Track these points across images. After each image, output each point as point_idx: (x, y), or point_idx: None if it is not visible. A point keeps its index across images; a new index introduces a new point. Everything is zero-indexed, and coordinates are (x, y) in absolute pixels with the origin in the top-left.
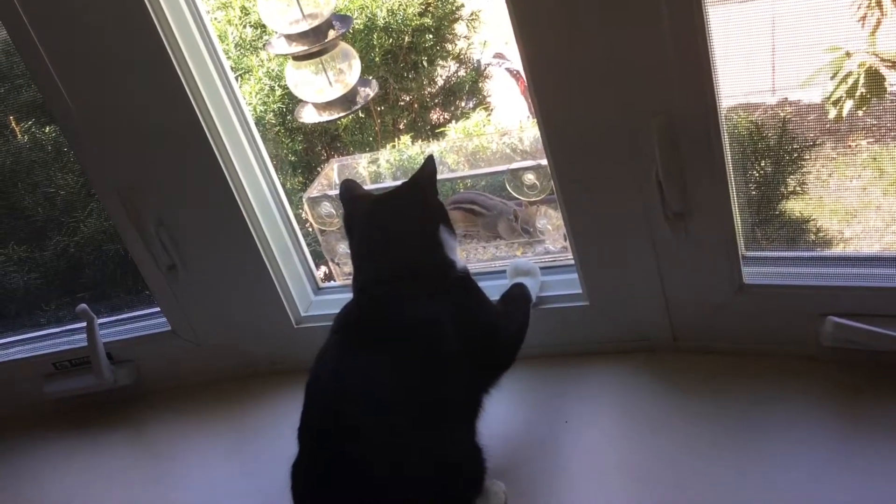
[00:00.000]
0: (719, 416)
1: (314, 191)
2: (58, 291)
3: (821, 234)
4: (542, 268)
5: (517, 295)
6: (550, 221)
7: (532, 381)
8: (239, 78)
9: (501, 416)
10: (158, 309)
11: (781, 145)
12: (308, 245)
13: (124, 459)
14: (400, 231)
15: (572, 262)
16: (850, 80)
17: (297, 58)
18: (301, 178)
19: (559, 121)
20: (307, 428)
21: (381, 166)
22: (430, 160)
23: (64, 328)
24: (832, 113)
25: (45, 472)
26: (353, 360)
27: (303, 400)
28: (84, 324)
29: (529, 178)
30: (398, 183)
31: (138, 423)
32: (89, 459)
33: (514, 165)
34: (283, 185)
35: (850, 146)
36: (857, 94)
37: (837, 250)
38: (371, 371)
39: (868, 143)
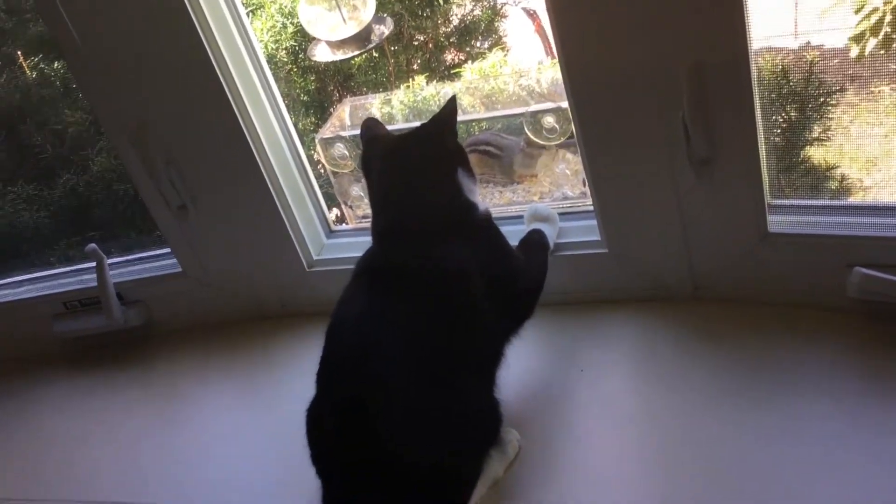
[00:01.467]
0: (738, 367)
1: (327, 131)
2: (67, 231)
3: (847, 183)
4: (560, 213)
5: (535, 242)
6: (569, 166)
7: (548, 329)
8: (250, 14)
9: (516, 364)
10: (169, 250)
11: (808, 90)
12: (321, 188)
13: (134, 399)
14: (418, 174)
15: (591, 208)
16: (875, 17)
17: None
18: (313, 119)
19: (582, 62)
20: (327, 372)
21: (394, 107)
22: (451, 101)
23: (74, 268)
24: (854, 51)
25: (54, 411)
26: (376, 306)
27: (323, 344)
28: (94, 264)
29: (549, 120)
30: (416, 124)
31: (148, 364)
32: (99, 399)
33: (534, 108)
34: (295, 126)
35: (872, 91)
36: (882, 33)
37: (866, 199)
38: (394, 318)
39: (891, 89)
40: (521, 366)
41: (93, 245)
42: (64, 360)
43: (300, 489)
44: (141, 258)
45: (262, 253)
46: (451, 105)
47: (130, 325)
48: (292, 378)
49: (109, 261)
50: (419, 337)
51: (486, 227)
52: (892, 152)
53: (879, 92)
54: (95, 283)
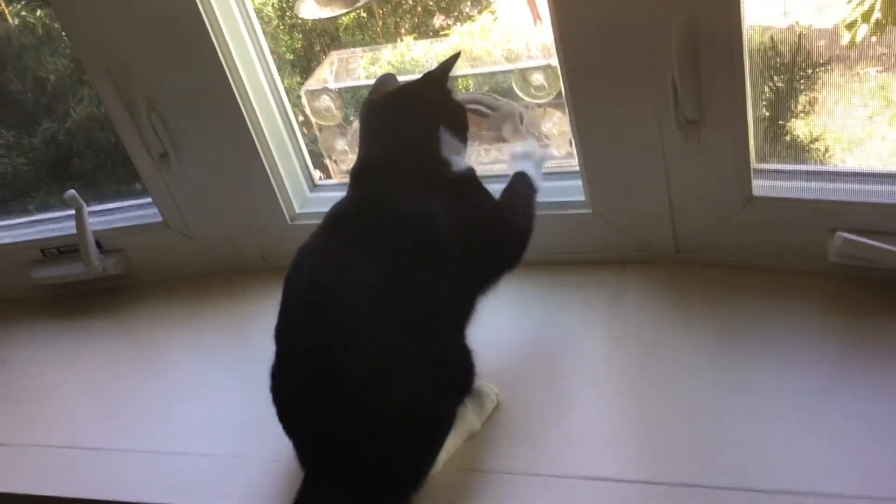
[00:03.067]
0: (719, 329)
1: (313, 83)
2: (47, 179)
3: (831, 150)
4: (545, 174)
5: (519, 185)
6: (556, 126)
7: (528, 289)
8: None
9: (496, 322)
10: (150, 199)
11: (796, 62)
12: (306, 145)
13: (112, 348)
14: (398, 123)
15: (576, 168)
16: (867, 4)
17: None
18: (299, 78)
19: (574, 19)
20: (285, 326)
21: (382, 67)
22: (452, 57)
23: (53, 215)
24: (846, 38)
25: (30, 358)
26: (336, 254)
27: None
28: (73, 211)
29: (538, 78)
30: None
31: (127, 313)
32: (76, 347)
33: (523, 64)
34: (282, 81)
35: (857, 73)
36: (873, 19)
37: (849, 166)
38: (356, 267)
39: (877, 71)
40: (502, 324)
41: (72, 191)
42: (41, 308)
43: (277, 439)
44: (121, 207)
45: (245, 205)
46: (449, 62)
47: (109, 274)
48: (271, 330)
49: (89, 209)
50: (380, 286)
51: (460, 182)
52: (875, 122)
53: (865, 74)
54: (74, 231)
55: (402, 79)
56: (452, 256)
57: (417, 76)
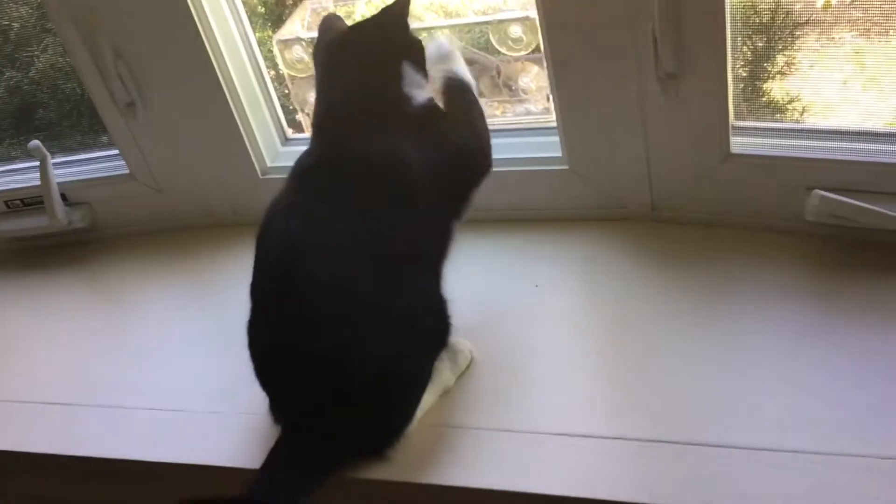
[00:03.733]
0: (694, 286)
1: (285, 33)
2: (10, 130)
3: (807, 114)
4: (522, 129)
5: (457, 94)
6: (534, 80)
7: (504, 245)
8: None
9: (471, 278)
10: (116, 151)
11: (774, 23)
12: (279, 99)
13: (78, 303)
14: (360, 62)
15: (553, 125)
16: None
17: None
18: (270, 32)
19: None
20: (260, 282)
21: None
22: None
23: (16, 166)
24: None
25: None
26: (305, 209)
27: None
28: (37, 162)
29: (515, 30)
30: None
31: (94, 267)
32: (41, 301)
33: (500, 16)
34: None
35: (833, 38)
36: None
37: (828, 124)
38: (326, 221)
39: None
40: (476, 280)
41: (36, 142)
42: (4, 261)
43: (248, 395)
44: (87, 159)
45: (215, 157)
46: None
47: (75, 227)
48: (242, 285)
49: (54, 160)
50: (351, 234)
51: (422, 115)
52: (851, 85)
53: (840, 38)
54: (38, 183)
55: None
56: (423, 194)
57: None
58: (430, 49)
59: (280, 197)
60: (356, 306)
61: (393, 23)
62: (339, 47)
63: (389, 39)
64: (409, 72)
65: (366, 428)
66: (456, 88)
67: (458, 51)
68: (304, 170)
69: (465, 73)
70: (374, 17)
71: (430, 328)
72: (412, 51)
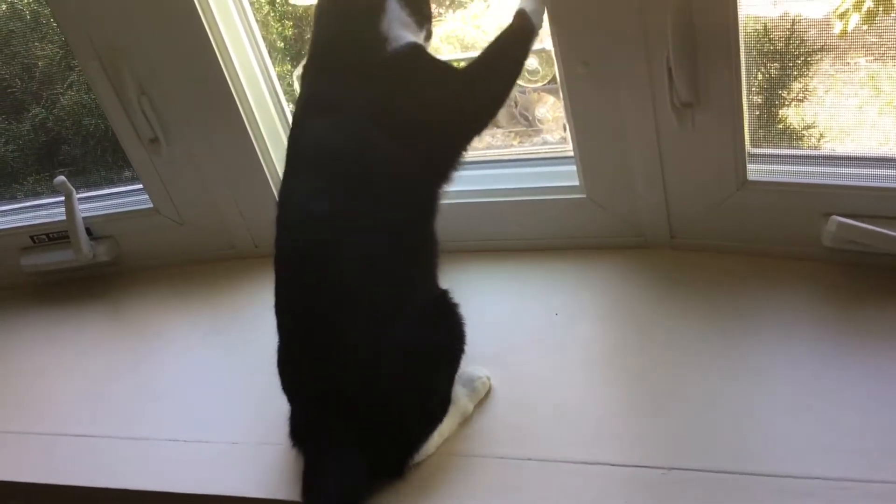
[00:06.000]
0: (712, 313)
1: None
2: (36, 166)
3: (823, 140)
4: (540, 159)
5: (509, 35)
6: (550, 110)
7: (523, 273)
8: None
9: (491, 307)
10: (140, 186)
11: (789, 50)
12: None
13: (103, 335)
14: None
15: (570, 154)
16: None
17: None
18: (289, 66)
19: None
20: (282, 306)
21: None
22: None
23: (42, 202)
24: (838, 27)
25: (21, 345)
26: (305, 200)
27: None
28: (62, 198)
29: (531, 62)
30: None
31: (117, 300)
32: (67, 334)
33: None
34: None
35: (848, 63)
36: (865, 7)
37: (844, 150)
38: (322, 213)
39: (867, 61)
40: (496, 307)
41: (62, 177)
42: (32, 295)
43: (268, 426)
44: (111, 193)
45: (237, 190)
46: None
47: (99, 261)
48: (262, 317)
49: (79, 195)
50: (356, 230)
51: (395, 63)
52: (866, 110)
53: (856, 63)
54: (64, 217)
55: None
56: (396, 164)
57: None
58: None
59: (284, 185)
60: (372, 322)
61: None
62: None
63: None
64: (393, 7)
65: (389, 435)
66: (519, 29)
67: None
68: (291, 153)
69: (540, 11)
70: None
71: (446, 332)
72: None
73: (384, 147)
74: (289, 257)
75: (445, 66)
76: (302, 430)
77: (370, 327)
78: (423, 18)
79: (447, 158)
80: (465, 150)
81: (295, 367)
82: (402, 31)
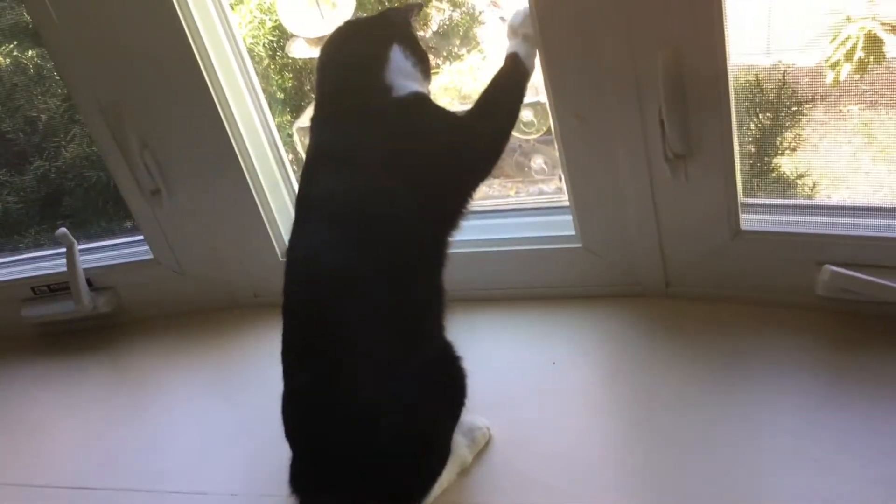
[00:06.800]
0: (708, 362)
1: (305, 121)
2: (37, 218)
3: (817, 189)
4: (536, 209)
5: (504, 79)
6: (546, 162)
7: (520, 322)
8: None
9: (488, 355)
10: (141, 237)
11: (781, 100)
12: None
13: (103, 386)
14: (349, 48)
15: (566, 203)
16: (849, 44)
17: None
18: (290, 117)
19: (561, 50)
20: (289, 355)
21: None
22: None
23: (43, 253)
24: (830, 76)
25: (21, 396)
26: (313, 249)
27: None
28: (63, 249)
29: (527, 115)
30: None
31: (118, 351)
32: (66, 385)
33: None
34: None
35: (840, 111)
36: (856, 58)
37: (836, 199)
38: (335, 262)
39: (860, 108)
40: (494, 357)
41: (63, 229)
42: (32, 346)
43: (268, 478)
44: (112, 245)
45: (237, 241)
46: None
47: (100, 312)
48: (263, 367)
49: (80, 247)
50: (366, 282)
51: (400, 109)
52: (860, 158)
53: (848, 111)
54: (65, 269)
55: None
56: (400, 210)
57: None
58: (521, 14)
59: (295, 232)
60: (382, 364)
61: (394, 15)
62: (335, 37)
63: (384, 25)
64: (397, 56)
65: (388, 489)
66: (512, 72)
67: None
68: (300, 200)
69: (532, 55)
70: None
71: (448, 386)
72: (408, 36)
73: (395, 195)
74: (298, 306)
75: (448, 113)
76: (302, 479)
77: (375, 379)
78: (425, 68)
79: (456, 203)
80: (473, 194)
81: (298, 415)
82: (405, 81)
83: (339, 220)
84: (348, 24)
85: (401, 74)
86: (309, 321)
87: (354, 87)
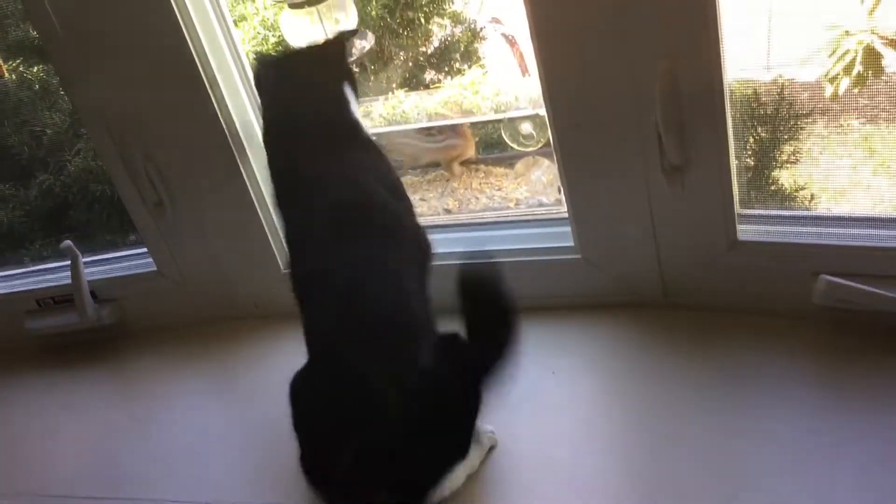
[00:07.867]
0: (706, 372)
1: None
2: (42, 231)
3: (815, 202)
4: (534, 220)
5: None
6: (545, 174)
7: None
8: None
9: None
10: (144, 249)
11: (779, 112)
12: None
13: (106, 397)
14: (304, 82)
15: (565, 215)
16: (848, 58)
17: (294, 5)
18: None
19: (560, 65)
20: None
21: (374, 119)
22: (353, 31)
23: (48, 266)
24: (829, 90)
25: (25, 408)
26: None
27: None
28: (68, 262)
29: (526, 127)
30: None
31: (121, 362)
32: (71, 396)
33: (511, 114)
34: None
35: (840, 125)
36: (855, 72)
37: (832, 210)
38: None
39: (860, 122)
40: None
41: (68, 241)
42: (36, 358)
43: (272, 486)
44: (116, 257)
45: (239, 253)
46: (348, 32)
47: (104, 324)
48: (264, 379)
49: (84, 259)
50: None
51: (371, 142)
52: (857, 169)
53: (848, 125)
54: (69, 281)
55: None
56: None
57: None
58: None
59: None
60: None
61: (333, 50)
62: (285, 68)
63: (331, 62)
64: (350, 96)
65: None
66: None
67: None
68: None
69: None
70: (315, 46)
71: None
72: (350, 74)
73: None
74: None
75: None
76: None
77: (398, 355)
78: (357, 97)
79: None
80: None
81: (317, 398)
82: (359, 115)
83: (350, 223)
84: (298, 54)
85: (356, 112)
86: (327, 299)
87: (331, 122)
